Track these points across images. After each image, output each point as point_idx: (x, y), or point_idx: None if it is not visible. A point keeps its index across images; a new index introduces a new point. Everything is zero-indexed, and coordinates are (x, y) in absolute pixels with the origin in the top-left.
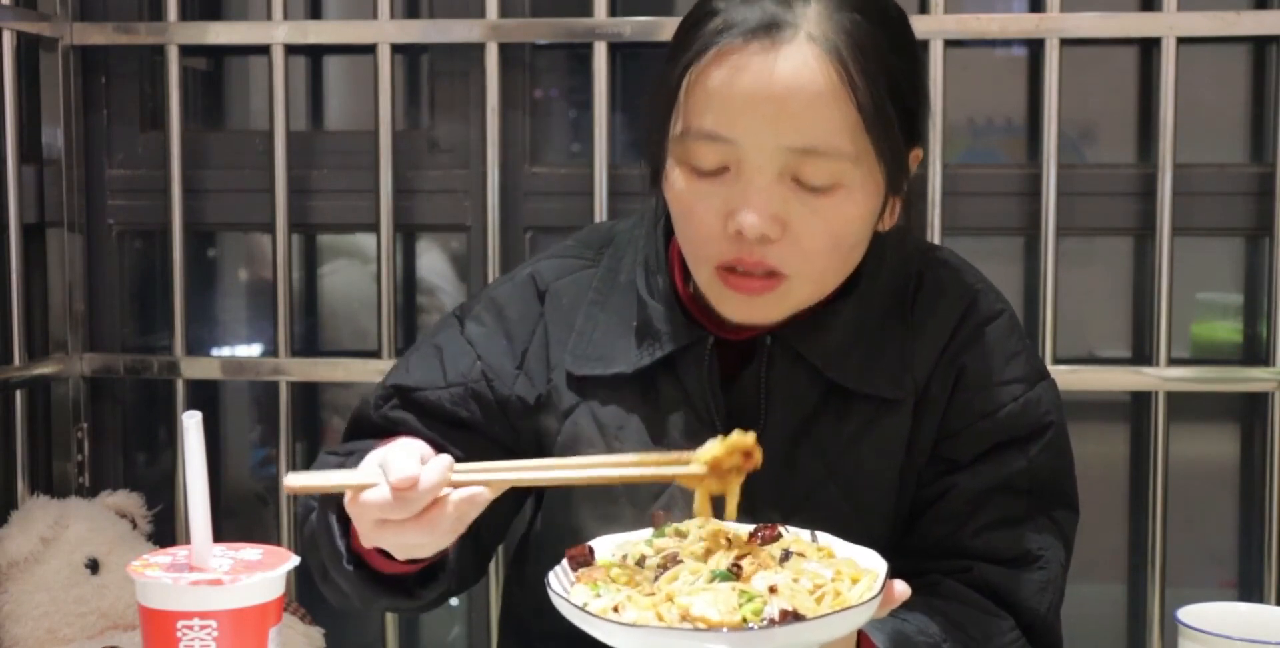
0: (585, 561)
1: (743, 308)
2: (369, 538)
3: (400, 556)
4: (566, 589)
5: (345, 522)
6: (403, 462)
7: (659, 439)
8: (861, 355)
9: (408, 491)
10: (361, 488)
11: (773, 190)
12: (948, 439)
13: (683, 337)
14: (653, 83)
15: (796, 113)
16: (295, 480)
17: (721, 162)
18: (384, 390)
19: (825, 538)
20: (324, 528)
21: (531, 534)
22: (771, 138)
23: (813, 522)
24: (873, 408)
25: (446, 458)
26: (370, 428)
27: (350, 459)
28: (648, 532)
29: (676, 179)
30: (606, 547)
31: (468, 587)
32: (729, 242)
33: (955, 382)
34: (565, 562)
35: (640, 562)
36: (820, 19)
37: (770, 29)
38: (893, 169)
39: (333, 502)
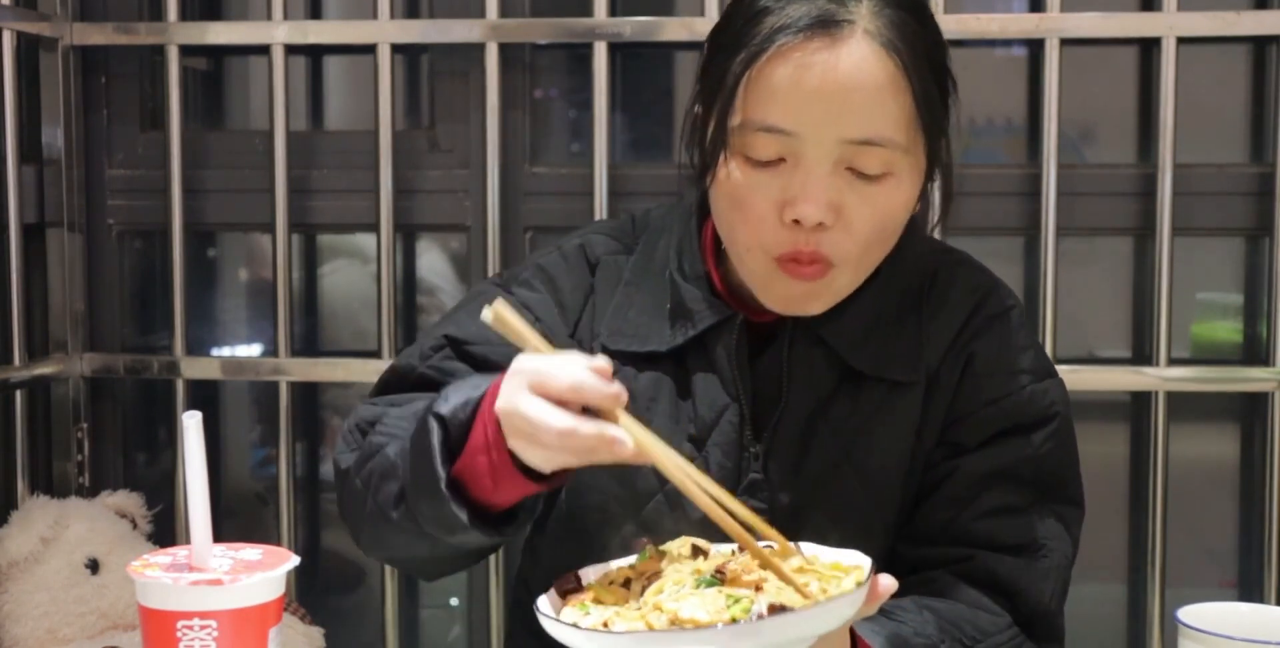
0: (574, 589)
1: (789, 298)
2: (521, 430)
3: (533, 458)
4: (555, 613)
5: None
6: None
7: (685, 414)
8: (877, 341)
9: (606, 378)
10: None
11: (829, 180)
12: (954, 424)
13: (714, 315)
14: (702, 79)
15: (858, 106)
16: (501, 308)
17: (779, 153)
18: (434, 341)
19: (809, 548)
20: (422, 451)
21: (549, 512)
22: (832, 130)
23: (828, 502)
24: (886, 391)
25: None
26: (414, 380)
27: (392, 410)
28: (632, 558)
29: (733, 170)
30: (591, 576)
31: (481, 559)
32: (785, 231)
33: (964, 368)
34: (552, 591)
35: (626, 584)
36: (873, 15)
37: (828, 26)
38: (934, 155)
39: (436, 429)
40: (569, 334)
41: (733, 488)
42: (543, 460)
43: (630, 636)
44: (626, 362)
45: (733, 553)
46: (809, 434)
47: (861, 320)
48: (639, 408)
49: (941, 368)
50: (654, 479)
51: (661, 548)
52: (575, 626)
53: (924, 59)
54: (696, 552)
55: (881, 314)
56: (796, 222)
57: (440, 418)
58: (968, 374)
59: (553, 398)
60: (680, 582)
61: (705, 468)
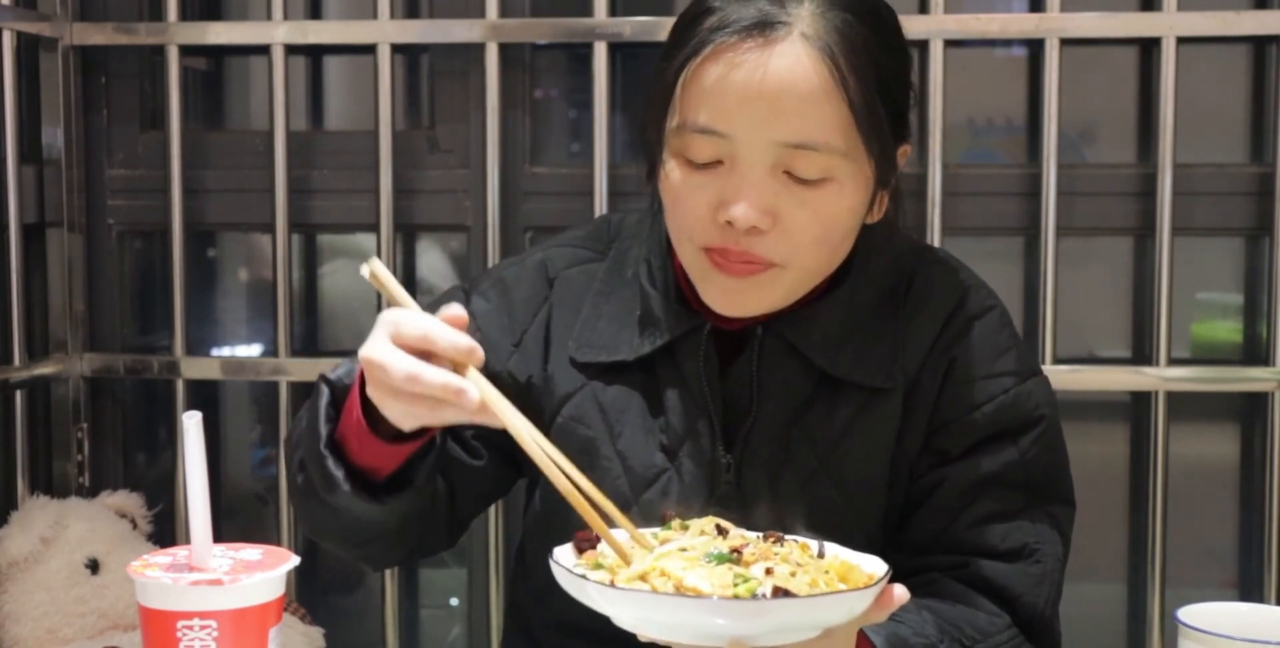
0: (591, 546)
1: (728, 296)
2: (383, 383)
3: (389, 410)
4: (569, 564)
5: (331, 424)
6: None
7: (657, 424)
8: (853, 346)
9: (458, 329)
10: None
11: (765, 183)
12: (938, 431)
13: (681, 325)
14: (650, 78)
15: (789, 109)
16: (377, 265)
17: (715, 155)
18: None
19: (832, 548)
20: (312, 413)
21: (531, 527)
22: (764, 133)
23: (806, 513)
24: (863, 398)
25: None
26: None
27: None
28: (656, 528)
29: (671, 171)
30: (615, 537)
31: (435, 551)
32: (717, 229)
33: (945, 374)
34: (571, 544)
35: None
36: (813, 18)
37: (764, 27)
38: (881, 164)
39: (325, 392)
40: (513, 344)
41: (704, 500)
42: (399, 414)
43: (633, 593)
44: (596, 375)
45: (757, 539)
46: (784, 443)
47: (835, 325)
48: (609, 420)
49: (922, 373)
50: (638, 484)
51: (686, 522)
52: (584, 577)
53: (868, 66)
54: (720, 531)
55: (856, 318)
56: (730, 223)
57: (328, 382)
58: (949, 380)
59: (407, 347)
60: (693, 557)
61: (678, 479)
